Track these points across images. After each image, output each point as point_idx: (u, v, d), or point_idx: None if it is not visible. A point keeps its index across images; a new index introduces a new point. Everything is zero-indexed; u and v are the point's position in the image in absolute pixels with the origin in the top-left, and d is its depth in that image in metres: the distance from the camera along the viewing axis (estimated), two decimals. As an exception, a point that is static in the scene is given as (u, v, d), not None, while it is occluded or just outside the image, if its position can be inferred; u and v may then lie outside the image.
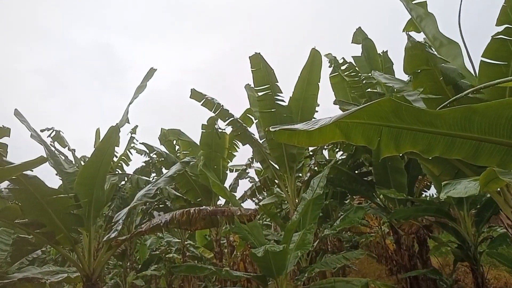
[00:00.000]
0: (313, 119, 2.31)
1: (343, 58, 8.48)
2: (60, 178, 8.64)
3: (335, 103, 6.32)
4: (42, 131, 7.95)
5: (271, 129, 2.25)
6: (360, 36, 8.69)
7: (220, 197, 10.14)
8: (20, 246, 8.12)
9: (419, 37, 5.34)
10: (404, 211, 6.73)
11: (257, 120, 9.26)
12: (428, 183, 9.17)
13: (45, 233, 5.15)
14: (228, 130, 9.14)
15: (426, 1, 5.12)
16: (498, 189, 3.92)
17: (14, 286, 5.95)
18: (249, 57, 7.52)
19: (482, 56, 3.72)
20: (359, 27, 8.79)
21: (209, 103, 8.06)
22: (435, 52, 4.48)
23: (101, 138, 10.97)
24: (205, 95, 8.05)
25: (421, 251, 8.04)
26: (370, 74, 8.35)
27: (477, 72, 3.89)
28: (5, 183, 4.88)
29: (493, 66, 3.67)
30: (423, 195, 10.16)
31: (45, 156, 4.44)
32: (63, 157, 7.29)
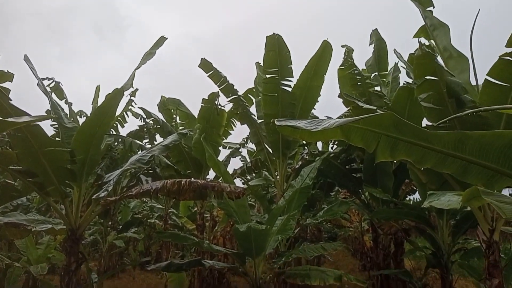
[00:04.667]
0: (316, 119, 2.39)
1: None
2: (55, 129, 8.68)
3: (339, 96, 6.39)
4: (42, 79, 7.94)
5: (276, 122, 2.35)
6: (375, 37, 8.74)
7: (209, 172, 10.29)
8: (6, 191, 8.22)
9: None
10: (386, 212, 6.94)
11: (257, 99, 9.31)
12: (414, 188, 9.38)
13: (37, 183, 5.24)
14: (227, 107, 9.22)
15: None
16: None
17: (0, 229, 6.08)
18: (266, 37, 7.43)
19: (487, 75, 3.80)
20: (376, 29, 8.84)
21: (216, 75, 8.07)
22: (443, 64, 4.56)
23: (100, 96, 11.01)
24: (214, 67, 8.05)
25: (396, 252, 8.29)
26: (375, 74, 8.43)
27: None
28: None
29: (496, 86, 3.75)
30: (407, 199, 10.41)
31: (49, 107, 4.49)
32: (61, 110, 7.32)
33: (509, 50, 3.66)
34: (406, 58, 6.12)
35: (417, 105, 5.05)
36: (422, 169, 4.59)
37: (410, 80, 6.33)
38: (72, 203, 5.51)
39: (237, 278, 12.06)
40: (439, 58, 4.52)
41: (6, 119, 3.29)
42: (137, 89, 10.95)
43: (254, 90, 9.74)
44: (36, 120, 3.80)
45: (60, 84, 8.61)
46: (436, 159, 2.21)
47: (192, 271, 9.60)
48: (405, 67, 6.15)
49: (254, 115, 8.60)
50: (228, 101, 8.32)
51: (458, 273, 8.59)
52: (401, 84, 7.70)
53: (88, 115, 10.50)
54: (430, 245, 6.80)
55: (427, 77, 4.22)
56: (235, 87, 8.22)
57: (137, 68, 5.89)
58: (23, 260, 8.15)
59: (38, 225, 6.14)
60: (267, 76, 7.64)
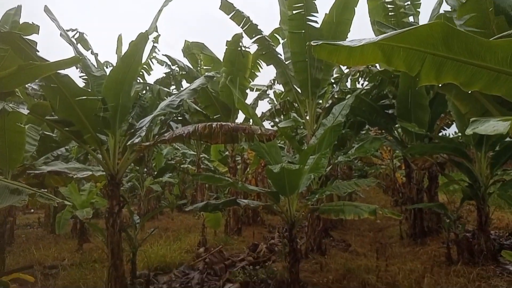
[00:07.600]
0: (355, 39, 2.23)
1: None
2: (85, 81, 8.77)
3: (373, 24, 6.03)
4: (67, 31, 7.90)
5: (312, 44, 2.21)
6: None
7: (237, 115, 10.31)
8: (45, 143, 8.59)
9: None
10: (422, 147, 6.79)
11: (284, 40, 9.00)
12: (449, 122, 9.09)
13: (73, 132, 5.38)
14: (253, 49, 8.98)
15: None
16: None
17: (44, 177, 6.40)
18: None
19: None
20: None
21: (238, 16, 7.80)
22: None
23: (123, 44, 10.93)
24: (235, 7, 7.76)
25: (430, 186, 8.25)
26: (409, 4, 7.89)
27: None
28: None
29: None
30: (442, 133, 10.14)
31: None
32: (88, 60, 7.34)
33: None
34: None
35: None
36: (462, 97, 4.35)
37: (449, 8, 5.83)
38: (109, 150, 5.65)
39: (271, 217, 12.50)
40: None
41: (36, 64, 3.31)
42: (159, 35, 10.78)
43: (280, 30, 9.39)
44: (64, 64, 3.79)
45: (84, 35, 8.56)
46: (487, 78, 2.03)
47: (228, 211, 9.98)
48: None
49: (281, 55, 8.36)
50: (252, 42, 8.07)
51: (495, 204, 8.51)
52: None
53: (114, 65, 10.51)
54: (466, 178, 6.68)
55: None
56: (259, 27, 7.93)
57: (160, 11, 5.73)
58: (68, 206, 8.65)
59: (79, 172, 6.40)
60: (293, 12, 7.27)
